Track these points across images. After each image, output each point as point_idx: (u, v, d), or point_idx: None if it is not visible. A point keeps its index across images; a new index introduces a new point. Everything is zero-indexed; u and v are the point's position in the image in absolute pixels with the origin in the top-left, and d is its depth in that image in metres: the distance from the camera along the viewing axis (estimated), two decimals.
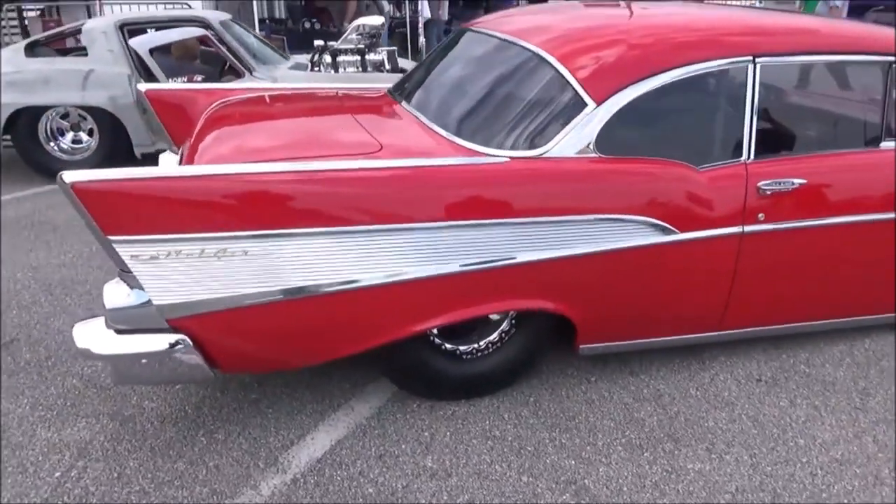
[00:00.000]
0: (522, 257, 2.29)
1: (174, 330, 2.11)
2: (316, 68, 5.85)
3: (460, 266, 2.23)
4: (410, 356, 2.43)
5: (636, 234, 2.38)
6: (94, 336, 2.12)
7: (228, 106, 3.16)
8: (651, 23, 2.73)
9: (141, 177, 1.98)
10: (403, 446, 2.35)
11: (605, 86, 2.37)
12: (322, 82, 5.29)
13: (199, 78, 4.87)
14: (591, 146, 2.36)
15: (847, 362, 2.89)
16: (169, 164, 3.06)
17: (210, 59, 5.50)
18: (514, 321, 2.54)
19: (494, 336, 2.56)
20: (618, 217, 2.35)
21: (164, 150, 3.63)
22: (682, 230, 2.43)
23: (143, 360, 2.11)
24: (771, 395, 2.65)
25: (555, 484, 2.19)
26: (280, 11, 11.04)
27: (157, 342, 2.10)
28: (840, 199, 2.63)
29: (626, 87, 2.38)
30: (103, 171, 1.97)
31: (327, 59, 5.92)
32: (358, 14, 9.73)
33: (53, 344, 2.94)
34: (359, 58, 5.99)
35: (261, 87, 4.12)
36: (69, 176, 1.91)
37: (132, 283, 2.07)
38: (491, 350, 2.55)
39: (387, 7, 10.44)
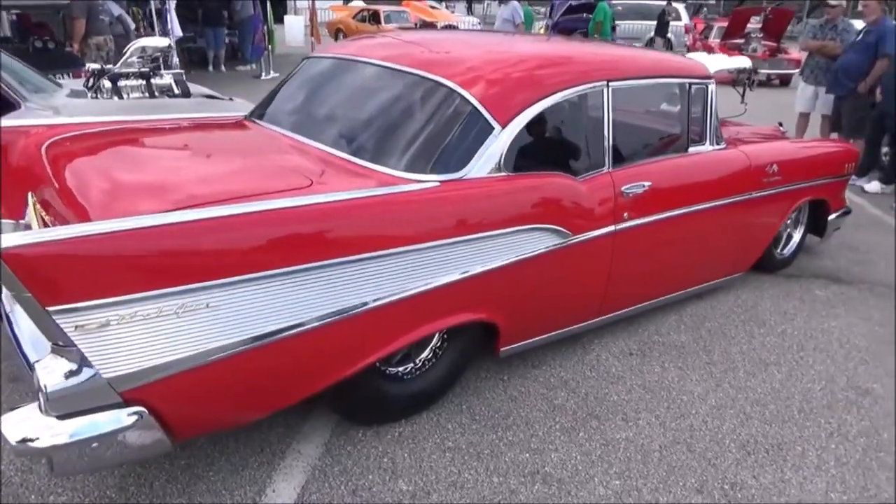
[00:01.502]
0: (456, 275, 2.43)
1: (127, 403, 1.86)
2: (95, 95, 5.25)
3: (407, 292, 2.30)
4: (358, 387, 2.42)
5: (542, 240, 2.67)
6: (31, 426, 1.77)
7: (77, 145, 2.77)
8: (528, 52, 3.06)
9: (82, 234, 1.73)
10: (370, 476, 2.34)
11: (507, 110, 2.62)
12: (116, 111, 4.79)
13: None
14: (499, 165, 2.59)
15: (683, 328, 3.52)
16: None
17: None
18: (444, 335, 2.66)
19: (427, 353, 2.66)
20: (527, 227, 2.61)
21: None
22: (575, 233, 2.77)
23: (94, 444, 1.83)
24: (646, 365, 3.14)
25: (522, 477, 2.37)
26: (3, 29, 9.47)
27: (111, 420, 1.84)
28: (675, 195, 3.21)
29: (524, 110, 2.65)
30: (30, 233, 1.68)
31: (107, 84, 5.34)
32: (91, 33, 8.81)
33: None
34: (143, 82, 5.51)
35: (67, 121, 3.61)
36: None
37: (71, 357, 1.79)
38: (427, 366, 2.65)
39: (132, 25, 9.56)
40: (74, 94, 5.02)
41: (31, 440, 1.76)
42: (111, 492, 2.22)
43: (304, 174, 2.39)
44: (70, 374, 1.78)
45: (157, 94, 5.52)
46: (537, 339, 2.95)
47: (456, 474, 2.37)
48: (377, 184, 2.37)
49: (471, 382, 2.89)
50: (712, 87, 3.47)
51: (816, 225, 4.46)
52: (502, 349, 2.79)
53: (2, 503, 1.94)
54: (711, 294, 3.87)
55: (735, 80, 5.35)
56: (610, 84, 2.96)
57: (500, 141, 2.59)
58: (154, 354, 1.86)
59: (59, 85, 5.17)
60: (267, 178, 2.38)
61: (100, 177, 2.35)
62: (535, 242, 2.64)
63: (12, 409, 1.85)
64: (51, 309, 1.70)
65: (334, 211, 2.13)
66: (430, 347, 2.66)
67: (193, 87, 5.94)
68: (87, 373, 1.79)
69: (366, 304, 2.20)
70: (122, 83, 5.38)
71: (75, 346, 1.75)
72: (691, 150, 3.41)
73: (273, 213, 2.01)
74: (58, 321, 1.71)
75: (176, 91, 5.64)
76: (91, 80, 5.33)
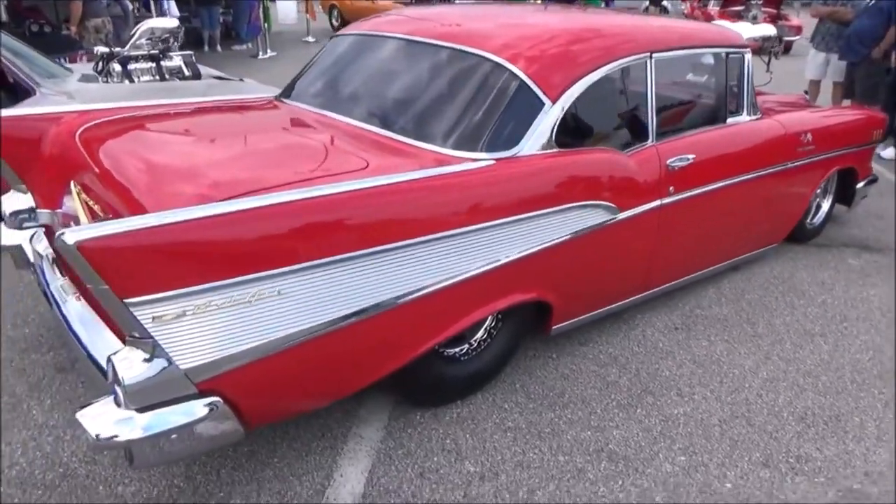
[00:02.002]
0: (513, 254, 2.39)
1: (202, 394, 1.83)
2: (105, 78, 5.14)
3: (468, 273, 2.27)
4: (418, 370, 2.39)
5: (592, 217, 2.63)
6: (111, 420, 1.74)
7: (115, 131, 2.70)
8: (576, 26, 2.98)
9: (158, 224, 1.68)
10: (436, 458, 2.33)
11: (557, 85, 2.57)
12: (131, 96, 4.70)
13: None
14: (550, 142, 2.54)
15: (723, 301, 3.51)
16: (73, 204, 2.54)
17: None
18: (497, 316, 2.64)
19: (482, 334, 2.63)
20: (579, 204, 2.57)
21: None
22: (624, 208, 2.74)
23: (173, 436, 1.80)
24: (692, 339, 3.13)
25: (588, 455, 2.36)
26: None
27: (189, 412, 1.81)
28: (718, 168, 3.17)
29: (573, 84, 2.60)
30: (106, 224, 1.63)
31: (117, 67, 5.23)
32: (88, 15, 8.61)
33: None
34: (153, 64, 5.40)
35: (95, 107, 3.51)
36: (72, 235, 1.55)
37: (148, 349, 1.75)
38: (483, 347, 2.62)
39: (130, 6, 9.37)
40: (86, 78, 4.92)
41: (113, 435, 1.72)
42: (178, 480, 2.20)
43: (357, 156, 2.34)
44: (147, 366, 1.73)
45: (167, 76, 5.40)
46: (586, 316, 2.92)
47: (521, 454, 2.36)
48: (434, 164, 2.32)
49: (521, 362, 2.87)
50: (748, 56, 3.42)
51: (843, 194, 4.44)
52: (554, 327, 2.77)
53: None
54: (747, 266, 3.85)
55: (760, 48, 5.28)
56: (653, 56, 2.90)
57: (551, 117, 2.54)
58: (228, 344, 1.82)
59: (69, 70, 5.06)
60: (322, 161, 2.33)
61: (151, 164, 2.29)
62: (586, 219, 2.60)
63: (86, 404, 1.80)
64: (128, 301, 1.65)
65: (402, 193, 2.09)
66: (484, 328, 2.64)
67: (202, 69, 5.84)
68: (163, 364, 1.75)
69: (429, 286, 2.16)
70: (132, 66, 5.28)
71: (152, 337, 1.71)
72: (730, 120, 3.37)
73: (342, 197, 1.96)
74: (135, 313, 1.67)
75: (186, 73, 5.54)
76: (100, 64, 5.22)
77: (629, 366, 2.90)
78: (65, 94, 4.37)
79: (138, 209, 1.95)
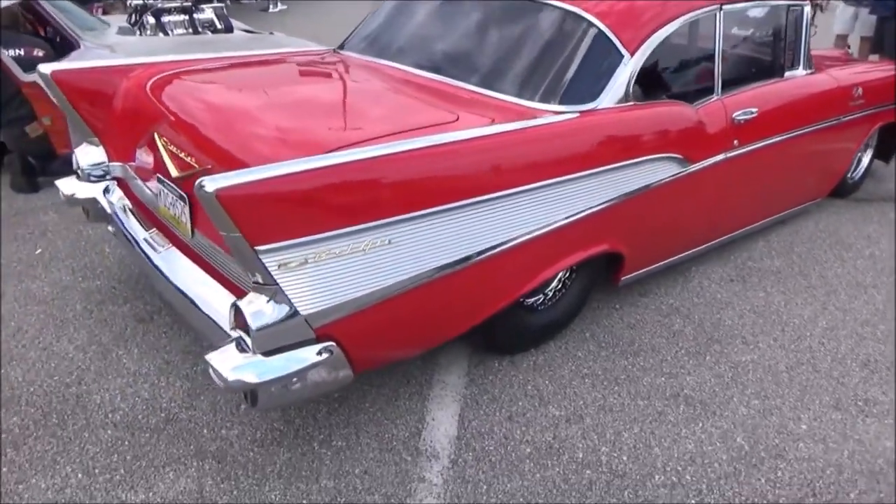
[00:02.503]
0: (593, 206, 2.44)
1: (319, 339, 1.90)
2: (139, 31, 5.10)
3: (555, 224, 2.32)
4: (503, 318, 2.45)
5: (665, 169, 2.67)
6: (240, 364, 1.80)
7: (193, 84, 2.71)
8: None
9: (290, 172, 1.71)
10: (521, 403, 2.41)
11: (635, 37, 2.58)
12: (172, 49, 4.67)
13: (40, 52, 3.94)
14: (627, 94, 2.57)
15: (773, 254, 3.57)
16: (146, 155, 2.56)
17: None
18: (571, 266, 2.69)
19: (557, 283, 2.70)
20: (653, 156, 2.61)
21: None
22: (693, 161, 2.78)
23: (294, 379, 1.87)
24: (749, 291, 3.20)
25: (665, 400, 2.45)
26: None
27: (310, 356, 1.88)
28: (778, 121, 3.20)
29: (650, 36, 2.61)
30: (242, 173, 1.67)
31: (150, 20, 5.19)
32: None
33: (47, 400, 2.37)
34: (186, 17, 5.35)
35: (158, 59, 3.46)
36: (212, 184, 1.59)
37: (272, 295, 1.80)
38: (558, 297, 2.69)
39: None
40: (122, 31, 4.89)
41: (241, 378, 1.79)
42: (277, 424, 2.28)
43: (444, 108, 2.36)
44: (272, 311, 1.79)
45: (199, 29, 5.36)
46: (652, 267, 2.99)
47: (601, 399, 2.44)
48: (518, 116, 2.35)
49: (587, 312, 2.93)
50: (807, 9, 3.42)
51: (880, 149, 4.46)
52: (623, 279, 2.83)
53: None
54: (793, 220, 3.91)
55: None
56: (723, 7, 2.90)
57: (629, 69, 2.56)
58: (343, 291, 1.88)
59: (107, 23, 5.01)
60: (412, 113, 2.36)
61: (249, 115, 2.31)
62: (659, 172, 2.64)
63: (214, 348, 1.86)
64: (258, 248, 1.70)
65: (501, 144, 2.13)
66: (559, 279, 2.70)
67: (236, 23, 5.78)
68: (286, 310, 1.80)
69: (521, 236, 2.22)
70: (165, 18, 5.23)
71: (277, 284, 1.76)
72: (787, 74, 3.38)
73: (448, 148, 2.00)
74: (264, 260, 1.72)
75: (218, 26, 5.49)
76: (133, 16, 5.17)
77: (692, 316, 2.98)
78: (107, 48, 4.35)
79: (250, 160, 1.98)
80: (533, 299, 2.64)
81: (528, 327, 2.62)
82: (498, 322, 2.45)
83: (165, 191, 2.42)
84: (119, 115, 2.78)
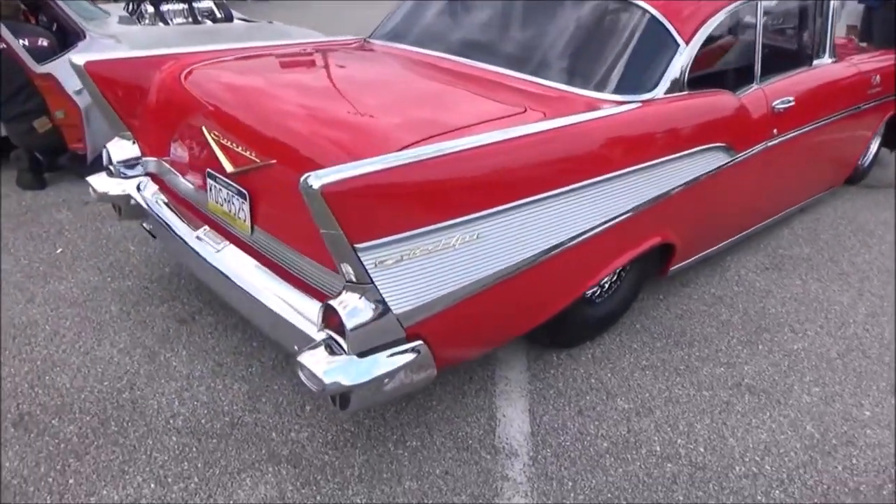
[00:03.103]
0: (656, 195, 2.43)
1: (409, 338, 1.85)
2: (138, 20, 4.93)
3: (626, 213, 2.31)
4: (567, 311, 2.43)
5: (715, 159, 2.67)
6: (337, 366, 1.74)
7: (236, 75, 2.62)
8: None
9: (389, 166, 1.65)
10: (588, 397, 2.40)
11: (689, 26, 2.56)
12: (179, 38, 4.53)
13: (45, 42, 3.76)
14: (681, 83, 2.55)
15: (801, 241, 3.62)
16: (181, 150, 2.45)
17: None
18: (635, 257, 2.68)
19: (613, 276, 2.68)
20: (706, 146, 2.60)
21: None
22: (739, 150, 2.78)
23: (386, 380, 1.82)
24: (785, 279, 3.23)
25: (729, 390, 2.46)
26: None
27: (402, 356, 1.83)
28: (811, 109, 3.23)
29: (702, 25, 2.60)
30: (344, 167, 1.60)
31: (149, 8, 5.02)
32: None
33: (101, 407, 2.27)
34: (185, 6, 5.19)
35: (207, 49, 3.28)
36: (317, 179, 1.53)
37: (366, 294, 1.74)
38: (613, 289, 2.68)
39: None
40: (123, 20, 4.73)
41: (337, 380, 1.73)
42: (348, 425, 2.23)
43: (508, 99, 2.32)
44: (367, 311, 1.74)
45: (199, 18, 5.21)
46: (696, 258, 3.00)
47: (666, 391, 2.44)
48: (585, 107, 2.31)
49: (634, 304, 2.92)
50: None
51: (886, 136, 4.55)
52: (672, 268, 2.83)
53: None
54: (812, 208, 3.96)
55: None
56: None
57: (683, 58, 2.55)
58: (433, 289, 1.83)
59: (107, 12, 4.83)
60: (479, 104, 2.32)
61: (311, 109, 2.22)
62: (710, 161, 2.64)
63: (306, 349, 1.79)
64: (357, 246, 1.64)
65: (578, 135, 2.10)
66: (615, 271, 2.68)
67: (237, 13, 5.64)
68: (380, 309, 1.75)
69: (594, 227, 2.20)
70: (164, 7, 5.07)
71: (373, 283, 1.71)
72: (815, 62, 3.41)
73: (532, 139, 1.97)
74: (361, 258, 1.66)
75: (218, 15, 5.35)
76: (131, 5, 5.00)
77: (736, 305, 2.99)
78: (111, 37, 4.20)
79: (325, 154, 1.91)
80: (591, 291, 2.62)
81: (587, 320, 2.60)
82: (559, 315, 2.43)
83: (218, 186, 2.33)
84: (154, 108, 2.68)
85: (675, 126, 2.48)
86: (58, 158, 3.89)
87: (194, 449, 2.11)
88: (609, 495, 2.00)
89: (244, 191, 2.20)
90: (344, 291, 1.76)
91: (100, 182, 2.76)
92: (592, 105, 2.34)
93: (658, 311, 2.92)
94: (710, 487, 2.04)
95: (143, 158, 2.76)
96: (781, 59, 3.38)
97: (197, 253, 2.35)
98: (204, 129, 2.38)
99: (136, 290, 2.94)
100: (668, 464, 2.12)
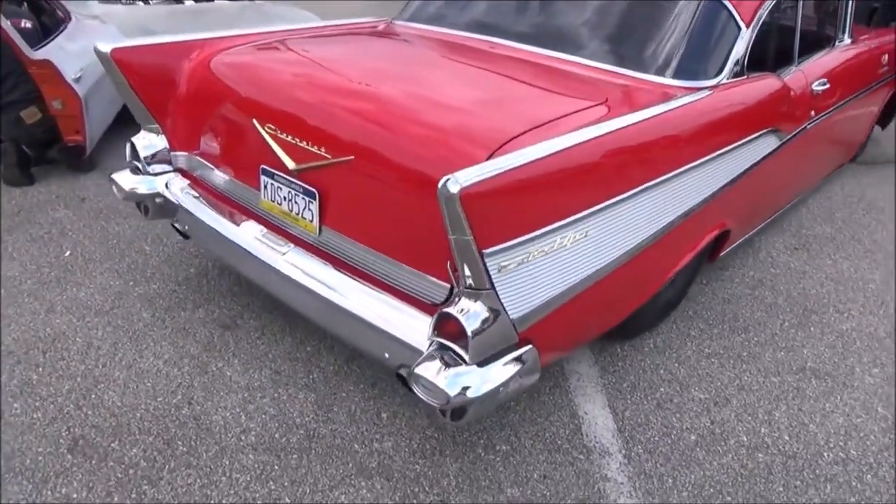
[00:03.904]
0: (724, 184, 2.41)
1: (520, 343, 1.76)
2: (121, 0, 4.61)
3: (705, 200, 2.28)
4: None
5: (769, 143, 2.66)
6: (458, 377, 1.64)
7: (280, 61, 2.45)
8: None
9: (517, 165, 1.55)
10: (662, 389, 2.37)
11: (750, 9, 2.52)
12: (167, 18, 4.25)
13: (28, 23, 3.43)
14: (742, 68, 2.52)
15: (819, 220, 3.68)
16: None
17: None
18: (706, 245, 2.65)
19: None
20: (763, 130, 2.59)
21: None
22: (786, 133, 2.78)
23: (501, 388, 1.73)
24: (815, 259, 3.28)
25: (795, 375, 2.47)
26: None
27: (517, 362, 1.74)
28: (840, 91, 3.26)
29: (759, 8, 2.56)
30: (477, 168, 1.49)
31: None
32: None
33: (162, 426, 2.10)
34: None
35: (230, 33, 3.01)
36: (455, 184, 1.41)
37: (484, 300, 1.64)
38: (674, 277, 2.64)
39: None
40: (104, 0, 4.40)
41: (462, 393, 1.63)
42: (430, 431, 2.14)
43: (583, 89, 2.24)
44: (487, 318, 1.64)
45: None
46: (739, 241, 3.00)
47: (736, 379, 2.43)
48: (661, 95, 2.25)
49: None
50: None
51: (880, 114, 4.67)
52: (722, 254, 2.82)
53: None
54: (822, 186, 4.03)
55: None
56: None
57: (744, 42, 2.51)
58: (545, 291, 1.75)
59: None
60: (556, 94, 2.22)
61: (382, 99, 2.08)
62: (765, 146, 2.64)
63: (418, 363, 1.68)
64: (485, 251, 1.54)
65: (671, 123, 2.04)
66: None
67: None
68: (498, 315, 1.65)
69: (680, 215, 2.18)
70: None
71: (494, 288, 1.61)
72: (838, 44, 3.44)
73: (638, 128, 1.90)
74: (487, 263, 1.56)
75: None
76: None
77: (777, 287, 3.02)
78: (94, 18, 3.90)
79: (419, 151, 1.79)
80: None
81: (651, 308, 2.56)
82: None
83: (276, 184, 2.18)
84: (187, 99, 2.49)
85: (742, 111, 2.45)
86: (47, 151, 3.59)
87: (276, 467, 1.98)
88: (711, 490, 1.98)
89: (313, 189, 2.06)
90: (461, 298, 1.66)
91: (126, 179, 2.55)
92: (667, 92, 2.27)
93: (705, 296, 2.91)
94: (805, 476, 2.04)
95: (173, 153, 2.56)
96: (811, 41, 3.39)
97: (256, 257, 2.19)
98: (255, 122, 2.21)
99: (165, 294, 2.75)
100: (758, 454, 2.11)
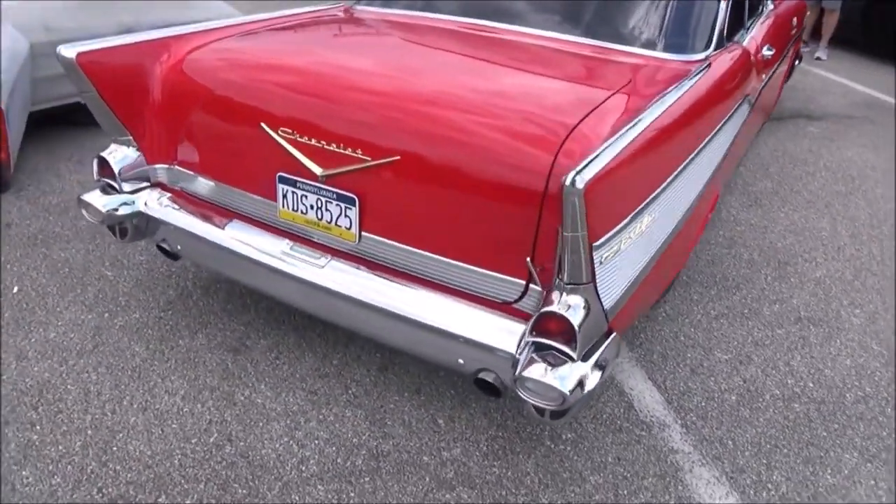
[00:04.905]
0: (727, 148, 2.58)
1: (608, 333, 1.76)
2: None
3: (718, 165, 2.39)
4: None
5: (745, 109, 2.82)
6: (571, 374, 1.60)
7: (273, 56, 2.24)
8: None
9: (620, 152, 1.52)
10: (689, 354, 2.46)
11: None
12: (83, 9, 3.80)
13: None
14: (722, 40, 2.63)
15: (757, 175, 3.95)
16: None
17: None
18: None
19: None
20: (743, 98, 2.72)
21: None
22: (751, 98, 2.95)
23: (599, 381, 1.71)
24: (769, 213, 3.52)
25: (795, 324, 2.65)
26: None
27: (609, 353, 1.73)
28: (776, 55, 3.47)
29: None
30: (591, 159, 1.45)
31: None
32: None
33: (209, 470, 1.90)
34: None
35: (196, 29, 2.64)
36: (581, 178, 1.37)
37: (583, 293, 1.61)
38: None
39: None
40: None
41: (577, 389, 1.60)
42: (492, 431, 2.09)
43: (603, 69, 2.24)
44: (584, 311, 1.61)
45: None
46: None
47: (747, 335, 2.58)
48: (672, 71, 2.28)
49: None
50: None
51: None
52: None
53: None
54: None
55: None
56: None
57: (723, 13, 2.61)
58: (627, 276, 1.76)
59: None
60: (584, 76, 2.20)
61: (410, 92, 1.96)
62: (743, 112, 2.78)
63: (523, 367, 1.62)
64: (594, 244, 1.52)
65: (698, 97, 2.07)
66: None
67: None
68: (594, 308, 1.63)
69: (708, 182, 2.28)
70: None
71: (592, 281, 1.59)
72: (764, 10, 3.66)
73: (686, 101, 1.93)
74: (595, 257, 1.54)
75: None
76: None
77: (748, 243, 3.21)
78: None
79: (508, 145, 1.71)
80: None
81: None
82: None
83: (300, 193, 2.01)
84: (166, 105, 2.23)
85: (732, 80, 2.54)
86: None
87: (351, 494, 1.86)
88: (768, 446, 2.08)
89: (350, 195, 1.91)
90: (557, 293, 1.61)
91: (100, 200, 2.26)
92: (674, 68, 2.32)
93: (690, 261, 3.04)
94: (839, 418, 2.20)
95: (151, 166, 2.30)
96: (750, 8, 3.59)
97: (288, 273, 2.02)
98: (265, 127, 2.02)
99: (151, 322, 2.48)
100: (794, 404, 2.25)
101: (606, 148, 1.51)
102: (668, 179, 1.85)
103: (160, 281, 2.71)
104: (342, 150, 1.89)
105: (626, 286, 1.74)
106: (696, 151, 2.07)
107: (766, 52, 3.15)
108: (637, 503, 1.87)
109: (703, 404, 2.23)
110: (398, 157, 1.83)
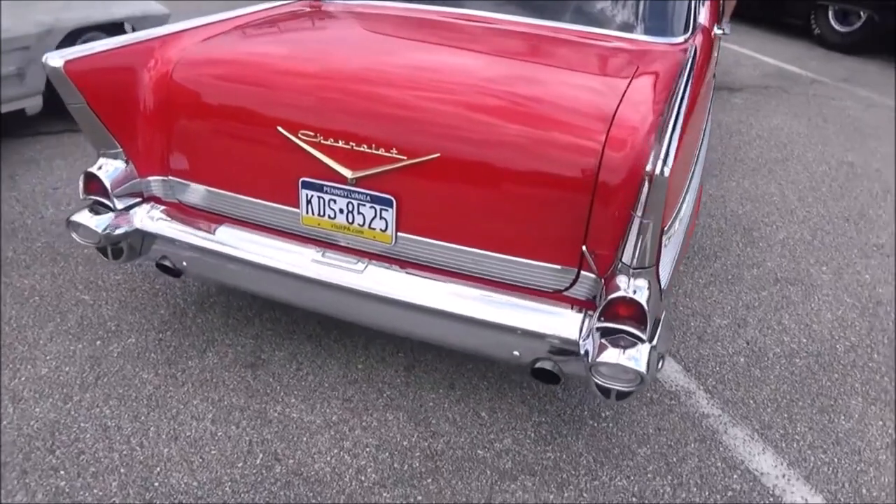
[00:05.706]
0: (703, 129, 2.66)
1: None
2: None
3: (700, 145, 2.50)
4: None
5: (712, 86, 2.96)
6: (644, 355, 1.65)
7: (280, 56, 2.14)
8: None
9: (678, 135, 1.57)
10: (692, 323, 2.59)
11: None
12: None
13: None
14: (696, 22, 2.76)
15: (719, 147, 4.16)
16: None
17: None
18: None
19: None
20: (712, 77, 2.87)
21: None
22: (713, 76, 3.11)
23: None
24: (725, 182, 3.74)
25: (775, 286, 2.85)
26: None
27: (666, 329, 1.80)
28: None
29: None
30: (666, 145, 1.50)
31: None
32: None
33: (269, 495, 1.82)
34: None
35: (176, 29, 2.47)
36: (666, 165, 1.42)
37: (647, 277, 1.67)
38: None
39: None
40: None
41: (653, 368, 1.66)
42: (536, 417, 2.12)
43: (610, 55, 2.29)
44: (648, 293, 1.67)
45: None
46: None
47: (737, 300, 2.74)
48: (665, 55, 2.38)
49: None
50: None
51: None
52: None
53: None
54: None
55: None
56: None
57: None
58: (672, 257, 1.83)
59: None
60: (597, 63, 2.24)
61: (440, 87, 1.93)
62: (711, 89, 2.93)
63: (601, 350, 1.66)
64: (665, 229, 1.57)
65: (701, 75, 2.17)
66: None
67: None
68: (654, 290, 1.69)
69: (702, 158, 2.38)
70: None
71: (656, 265, 1.65)
72: None
73: (697, 80, 2.00)
74: (664, 242, 1.60)
75: None
76: None
77: (713, 213, 3.41)
78: None
79: (557, 136, 1.72)
80: None
81: None
82: None
83: (328, 197, 1.94)
84: (161, 112, 2.10)
85: (711, 61, 2.68)
86: None
87: (419, 497, 1.84)
88: (784, 401, 2.24)
89: (387, 196, 1.87)
90: (632, 278, 1.66)
91: (92, 221, 2.09)
92: (664, 51, 2.41)
93: None
94: (836, 367, 2.40)
95: (144, 179, 2.16)
96: None
97: (325, 282, 1.95)
98: (283, 130, 1.93)
99: (152, 346, 2.33)
100: (796, 360, 2.43)
101: (672, 136, 1.55)
102: (696, 160, 1.94)
103: (147, 300, 2.54)
104: (374, 151, 1.84)
105: (671, 266, 1.81)
106: (705, 121, 2.17)
107: (717, 30, 3.31)
108: (689, 468, 1.96)
109: (718, 369, 2.36)
110: (438, 155, 1.80)
